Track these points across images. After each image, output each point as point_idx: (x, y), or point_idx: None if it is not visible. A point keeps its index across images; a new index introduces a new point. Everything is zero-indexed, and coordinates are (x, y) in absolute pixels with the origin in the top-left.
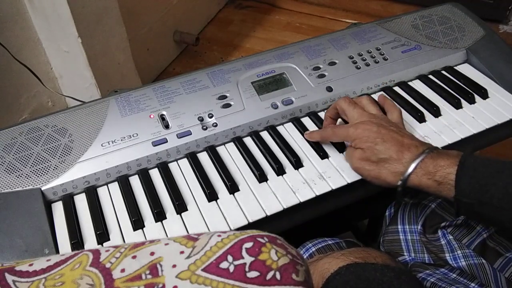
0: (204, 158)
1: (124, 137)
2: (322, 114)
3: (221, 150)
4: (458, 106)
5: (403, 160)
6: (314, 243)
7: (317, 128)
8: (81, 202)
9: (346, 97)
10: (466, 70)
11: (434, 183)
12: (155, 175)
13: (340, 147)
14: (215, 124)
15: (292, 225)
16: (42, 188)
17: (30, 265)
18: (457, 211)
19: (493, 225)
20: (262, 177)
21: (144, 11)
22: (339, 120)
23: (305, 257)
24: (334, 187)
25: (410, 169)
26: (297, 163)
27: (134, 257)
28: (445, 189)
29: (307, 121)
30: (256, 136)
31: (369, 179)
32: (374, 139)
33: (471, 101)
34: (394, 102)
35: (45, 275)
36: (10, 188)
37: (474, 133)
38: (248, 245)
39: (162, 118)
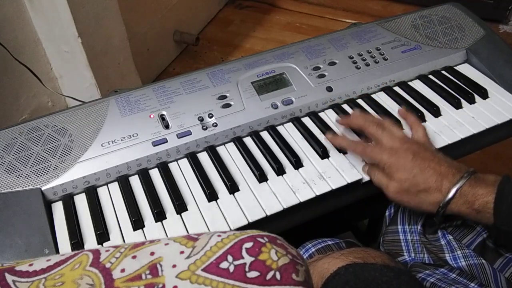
0: (204, 158)
1: (124, 137)
2: (322, 114)
3: (221, 150)
4: (458, 106)
5: (442, 189)
6: (313, 244)
7: (317, 128)
8: (81, 202)
9: (368, 117)
10: (466, 70)
11: (473, 211)
12: (155, 175)
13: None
14: (215, 124)
15: (292, 225)
16: (42, 188)
17: (30, 265)
18: (496, 239)
19: None
20: (262, 177)
21: (144, 11)
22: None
23: (304, 257)
24: (334, 187)
25: (448, 197)
26: (297, 163)
27: (134, 257)
28: (484, 218)
29: (307, 121)
30: (256, 136)
31: (409, 208)
32: (411, 169)
33: (471, 101)
34: (416, 118)
35: (45, 275)
36: (10, 188)
37: (474, 133)
38: (248, 245)
39: (162, 118)
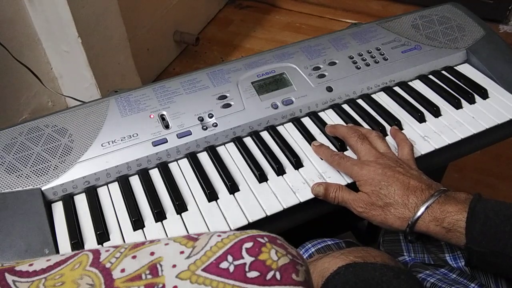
0: (204, 158)
1: (124, 137)
2: (322, 114)
3: (221, 150)
4: (458, 106)
5: (409, 205)
6: (313, 244)
7: (317, 128)
8: (81, 202)
9: (353, 128)
10: (466, 70)
11: (442, 229)
12: (155, 175)
13: (340, 147)
14: (215, 124)
15: (292, 225)
16: (42, 188)
17: (30, 265)
18: (468, 259)
19: (508, 275)
20: (262, 177)
21: (144, 11)
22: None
23: (304, 257)
24: None
25: (417, 215)
26: (297, 163)
27: (134, 257)
28: (454, 237)
29: (307, 121)
30: (256, 136)
31: (376, 223)
32: (379, 182)
33: (471, 101)
34: (406, 136)
35: (45, 275)
36: (10, 188)
37: (474, 133)
38: (248, 245)
39: (162, 118)
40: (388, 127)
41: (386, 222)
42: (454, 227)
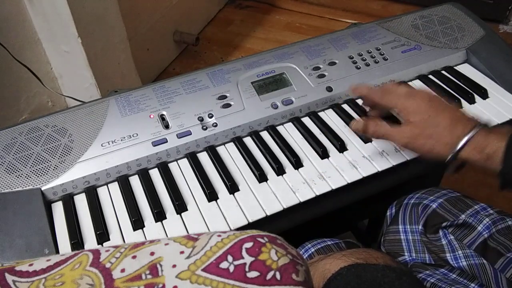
0: (204, 158)
1: (124, 137)
2: (322, 114)
3: (221, 150)
4: (458, 106)
5: (455, 132)
6: (313, 244)
7: (317, 128)
8: (81, 202)
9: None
10: (466, 70)
11: (483, 156)
12: (155, 175)
13: (340, 147)
14: (215, 124)
15: (292, 225)
16: (42, 188)
17: (30, 265)
18: (502, 184)
19: None
20: (262, 177)
21: (144, 11)
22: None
23: (304, 257)
24: (334, 187)
25: (461, 143)
26: (297, 163)
27: (134, 257)
28: (493, 163)
29: (307, 121)
30: (256, 136)
31: (421, 153)
32: (427, 110)
33: (471, 101)
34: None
35: (45, 275)
36: (10, 188)
37: None
38: (248, 245)
39: (162, 118)
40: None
41: (433, 150)
42: (494, 153)
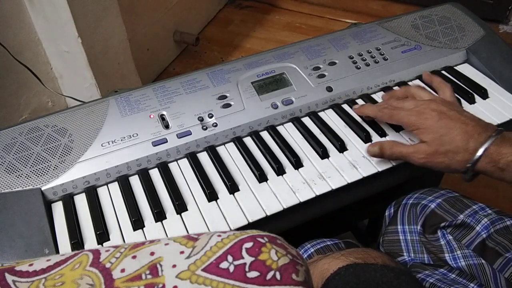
0: (204, 158)
1: (124, 137)
2: (322, 114)
3: (221, 150)
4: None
5: (469, 149)
6: (312, 244)
7: (317, 128)
8: (81, 202)
9: (388, 94)
10: (466, 70)
11: (497, 169)
12: (155, 175)
13: (340, 147)
14: (215, 124)
15: (292, 225)
16: (42, 188)
17: (30, 265)
18: None
19: None
20: (262, 177)
21: (144, 11)
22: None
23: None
24: (334, 187)
25: (475, 157)
26: (297, 163)
27: (134, 257)
28: (508, 176)
29: (307, 121)
30: (256, 136)
31: (438, 170)
32: (439, 129)
33: (471, 101)
34: (441, 79)
35: (45, 275)
36: (10, 188)
37: None
38: (248, 245)
39: (162, 118)
40: (387, 127)
41: (450, 167)
42: (507, 167)
